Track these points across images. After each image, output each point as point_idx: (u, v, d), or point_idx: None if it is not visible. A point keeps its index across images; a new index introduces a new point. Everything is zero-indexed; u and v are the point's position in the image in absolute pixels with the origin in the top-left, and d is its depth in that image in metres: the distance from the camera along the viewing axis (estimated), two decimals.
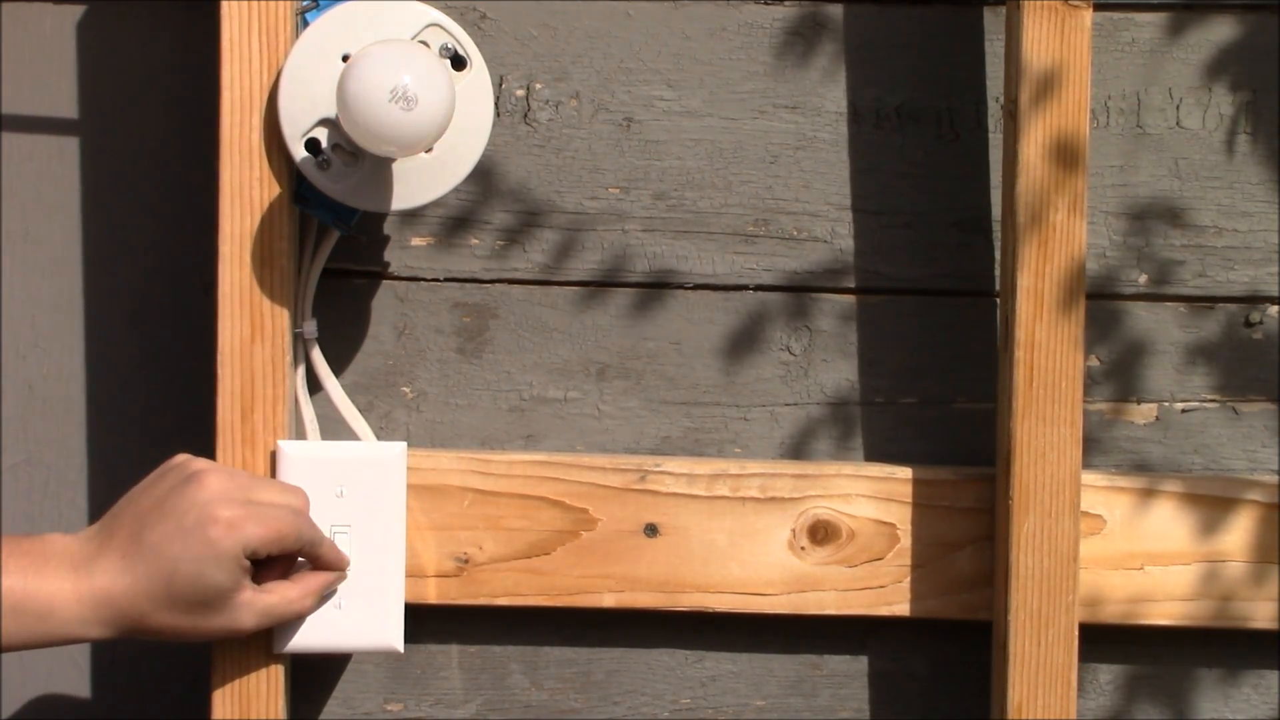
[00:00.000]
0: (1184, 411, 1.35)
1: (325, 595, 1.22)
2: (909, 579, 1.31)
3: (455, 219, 1.33)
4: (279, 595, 1.19)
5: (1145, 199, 1.34)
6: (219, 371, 1.24)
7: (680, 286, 1.34)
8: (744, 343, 1.34)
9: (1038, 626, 1.26)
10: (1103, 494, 1.31)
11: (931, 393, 1.34)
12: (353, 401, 1.31)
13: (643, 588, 1.30)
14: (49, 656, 1.37)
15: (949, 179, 1.34)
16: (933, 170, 1.34)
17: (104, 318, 1.37)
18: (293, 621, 1.22)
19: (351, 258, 1.32)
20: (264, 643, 1.24)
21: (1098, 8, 1.31)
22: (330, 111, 1.20)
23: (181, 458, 1.19)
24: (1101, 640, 1.33)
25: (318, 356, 1.29)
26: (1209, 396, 1.35)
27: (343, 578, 1.23)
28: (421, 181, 1.22)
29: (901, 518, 1.31)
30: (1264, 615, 1.31)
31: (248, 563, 1.16)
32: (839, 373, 1.34)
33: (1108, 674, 1.35)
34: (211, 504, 1.15)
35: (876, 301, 1.34)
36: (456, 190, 1.25)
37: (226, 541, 1.14)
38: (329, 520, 1.23)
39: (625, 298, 1.34)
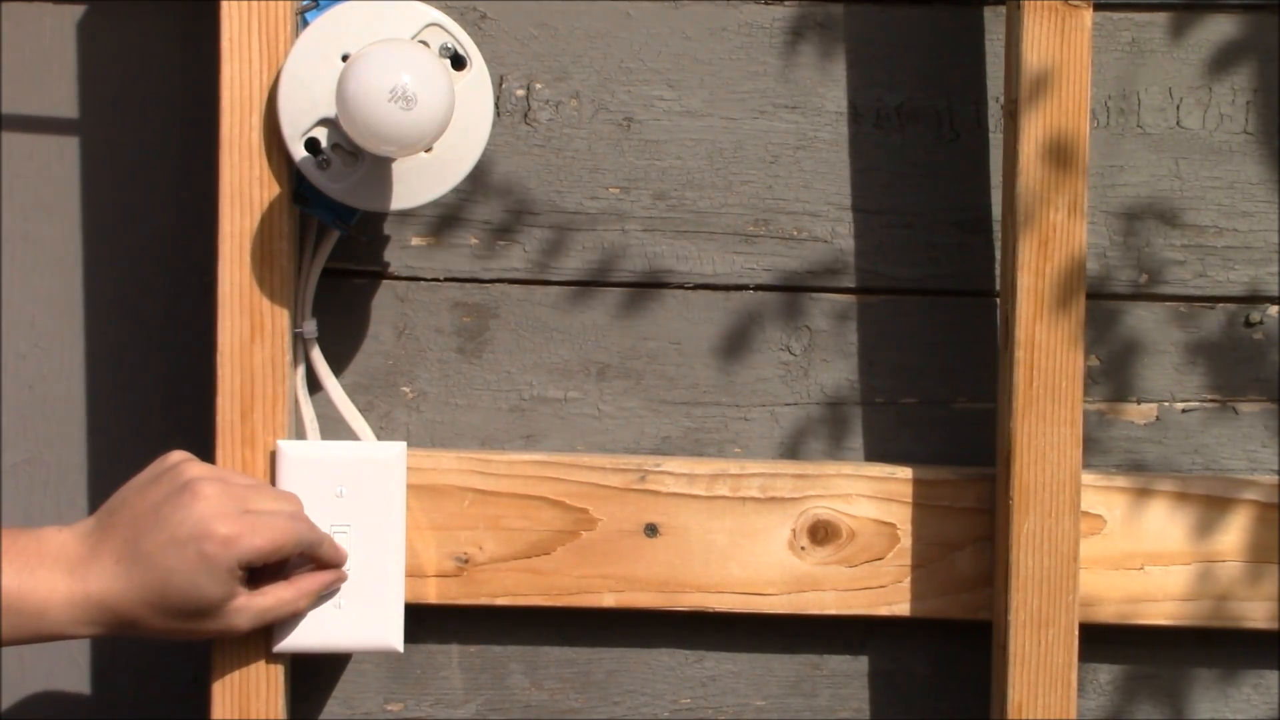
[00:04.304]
0: (1184, 411, 1.35)
1: (323, 596, 1.23)
2: (909, 579, 1.31)
3: (455, 219, 1.33)
4: (274, 598, 1.19)
5: (1145, 199, 1.34)
6: (219, 371, 1.24)
7: (680, 286, 1.34)
8: (744, 343, 1.34)
9: (1038, 626, 1.26)
10: (1103, 494, 1.31)
11: (931, 393, 1.34)
12: (353, 401, 1.31)
13: (643, 588, 1.30)
14: (49, 656, 1.37)
15: (949, 179, 1.34)
16: (933, 170, 1.34)
17: (104, 318, 1.37)
18: (289, 620, 1.22)
19: (351, 258, 1.32)
20: (264, 643, 1.24)
21: (1098, 8, 1.31)
22: (330, 111, 1.20)
23: (176, 458, 1.19)
24: (1101, 640, 1.33)
25: (318, 356, 1.29)
26: (1208, 396, 1.35)
27: (342, 578, 1.23)
28: (421, 181, 1.22)
29: (901, 518, 1.31)
30: (1264, 615, 1.31)
31: (242, 572, 1.16)
32: (839, 373, 1.34)
33: (1108, 674, 1.35)
34: (206, 519, 1.15)
35: (876, 301, 1.34)
36: (456, 190, 1.25)
37: (222, 556, 1.14)
38: (329, 520, 1.23)
39: (625, 297, 1.34)
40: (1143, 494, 1.31)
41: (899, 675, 1.35)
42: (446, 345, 1.34)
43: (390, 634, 1.25)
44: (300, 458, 1.24)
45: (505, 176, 1.33)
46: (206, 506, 1.15)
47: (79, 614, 1.14)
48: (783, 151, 1.33)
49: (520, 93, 1.33)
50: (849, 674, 1.35)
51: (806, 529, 1.30)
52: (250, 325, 1.24)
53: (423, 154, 1.21)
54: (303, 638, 1.24)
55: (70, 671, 1.38)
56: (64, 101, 1.36)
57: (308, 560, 1.21)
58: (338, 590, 1.23)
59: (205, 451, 1.24)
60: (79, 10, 1.36)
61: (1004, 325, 1.27)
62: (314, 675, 1.33)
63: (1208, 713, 1.36)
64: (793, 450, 1.34)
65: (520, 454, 1.31)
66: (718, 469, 1.30)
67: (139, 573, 1.14)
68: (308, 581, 1.21)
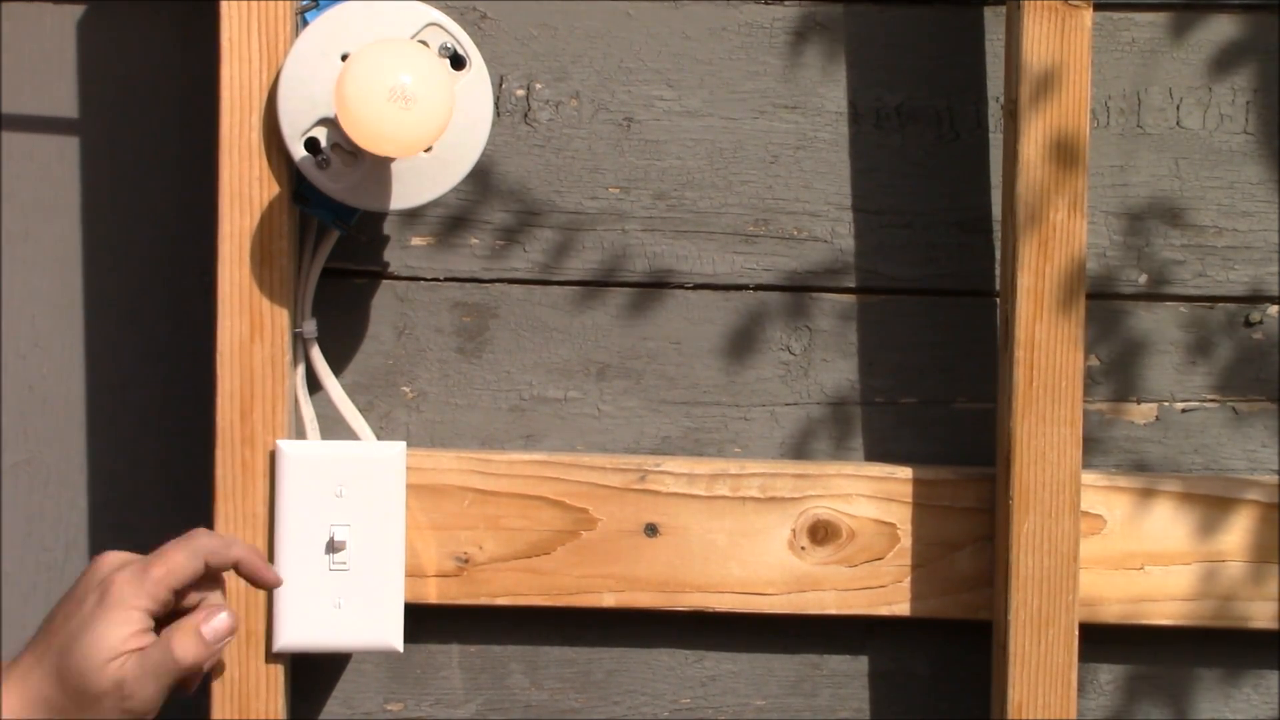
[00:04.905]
0: (1184, 411, 1.35)
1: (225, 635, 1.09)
2: (909, 579, 1.31)
3: (455, 219, 1.33)
4: (160, 646, 1.06)
5: (1145, 199, 1.34)
6: (218, 371, 1.24)
7: (680, 286, 1.34)
8: (744, 342, 1.34)
9: (1038, 626, 1.26)
10: (1103, 494, 1.30)
11: (931, 393, 1.34)
12: (353, 401, 1.31)
13: (643, 588, 1.30)
14: None
15: (949, 179, 1.34)
16: (933, 170, 1.34)
17: (104, 318, 1.37)
18: (188, 674, 1.07)
19: (351, 257, 1.32)
20: (264, 642, 1.24)
21: (1098, 8, 1.31)
22: (329, 111, 1.20)
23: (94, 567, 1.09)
24: (1101, 640, 1.33)
25: (317, 356, 1.29)
26: (1209, 396, 1.35)
27: (230, 626, 1.09)
28: (421, 181, 1.22)
29: (901, 518, 1.31)
30: (1264, 615, 1.31)
31: (149, 620, 1.06)
32: (839, 373, 1.34)
33: (1108, 674, 1.35)
34: (107, 577, 1.06)
35: (876, 301, 1.34)
36: (456, 190, 1.25)
37: (121, 600, 1.05)
38: (329, 520, 1.23)
39: (625, 297, 1.34)
40: (1143, 494, 1.31)
41: (899, 675, 1.35)
42: (446, 345, 1.34)
43: (390, 634, 1.25)
44: (300, 457, 1.24)
45: (505, 176, 1.33)
46: (106, 566, 1.07)
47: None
48: (783, 151, 1.33)
49: (520, 93, 1.33)
50: (849, 674, 1.35)
51: (806, 529, 1.30)
52: (250, 325, 1.24)
53: (422, 154, 1.21)
54: (302, 637, 1.24)
55: None
56: (64, 101, 1.36)
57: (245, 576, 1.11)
58: (231, 639, 1.10)
59: (205, 451, 1.24)
60: (79, 10, 1.36)
61: (1004, 325, 1.27)
62: (314, 675, 1.33)
63: (1208, 713, 1.36)
64: (793, 450, 1.34)
65: (520, 454, 1.31)
66: (718, 469, 1.30)
67: (50, 655, 1.05)
68: (190, 620, 1.08)
